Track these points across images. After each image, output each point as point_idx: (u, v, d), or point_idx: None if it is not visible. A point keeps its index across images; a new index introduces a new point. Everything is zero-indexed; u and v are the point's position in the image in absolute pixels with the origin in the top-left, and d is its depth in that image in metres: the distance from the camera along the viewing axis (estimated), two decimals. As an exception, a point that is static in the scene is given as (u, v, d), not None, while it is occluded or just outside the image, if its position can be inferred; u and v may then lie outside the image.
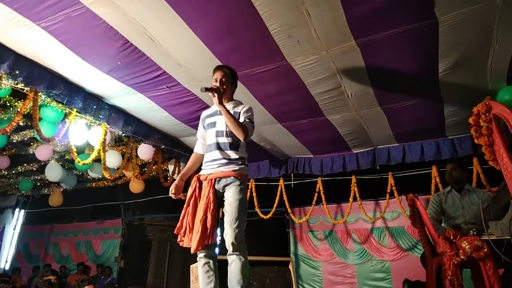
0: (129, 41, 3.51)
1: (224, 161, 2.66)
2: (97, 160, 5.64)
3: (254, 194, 7.15)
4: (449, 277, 2.67)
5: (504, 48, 3.38)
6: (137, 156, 6.10)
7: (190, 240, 2.52)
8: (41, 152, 6.00)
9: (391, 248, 7.25)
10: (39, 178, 7.87)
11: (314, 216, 7.74)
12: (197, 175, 2.77)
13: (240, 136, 2.61)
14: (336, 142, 5.70)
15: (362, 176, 6.72)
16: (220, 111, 2.72)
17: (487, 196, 3.51)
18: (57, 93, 4.17)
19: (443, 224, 3.75)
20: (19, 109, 4.35)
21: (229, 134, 2.72)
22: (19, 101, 4.50)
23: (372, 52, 3.53)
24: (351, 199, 6.73)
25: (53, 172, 6.68)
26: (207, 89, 2.67)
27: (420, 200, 3.39)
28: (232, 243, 2.45)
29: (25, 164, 7.19)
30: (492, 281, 2.60)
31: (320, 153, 6.32)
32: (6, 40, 3.61)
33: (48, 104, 4.56)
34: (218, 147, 2.70)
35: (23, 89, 4.21)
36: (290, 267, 3.94)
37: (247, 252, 2.55)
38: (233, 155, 2.68)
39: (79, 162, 5.43)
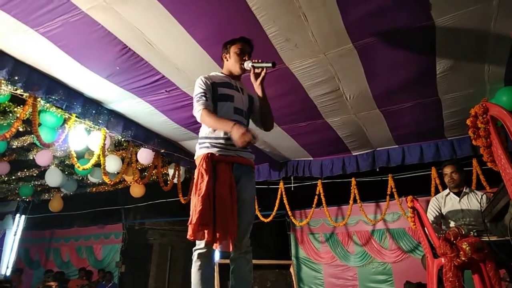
0: (127, 46, 3.52)
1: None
2: (97, 165, 5.64)
3: (254, 197, 7.14)
4: (450, 279, 2.67)
5: (501, 49, 3.39)
6: (137, 160, 6.11)
7: (223, 235, 2.06)
8: (41, 157, 6.00)
9: (392, 250, 7.24)
10: (39, 183, 7.87)
11: (315, 218, 7.73)
12: (207, 153, 2.23)
13: (270, 125, 2.46)
14: (336, 144, 5.71)
15: (362, 178, 6.72)
16: (239, 86, 2.47)
17: (486, 198, 3.51)
18: (56, 98, 4.18)
19: (443, 227, 3.74)
20: (18, 115, 4.35)
21: (247, 115, 2.46)
22: (19, 107, 4.51)
23: (370, 55, 3.54)
24: (351, 201, 6.73)
25: (53, 177, 6.67)
26: (254, 66, 2.36)
27: (420, 201, 3.38)
28: (247, 244, 2.26)
29: (25, 170, 7.18)
30: (493, 282, 2.59)
31: (319, 155, 6.33)
32: (5, 46, 3.63)
33: (47, 110, 4.56)
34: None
35: (22, 95, 4.22)
36: (291, 270, 3.94)
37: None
38: None
39: (79, 167, 5.44)
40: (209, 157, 2.20)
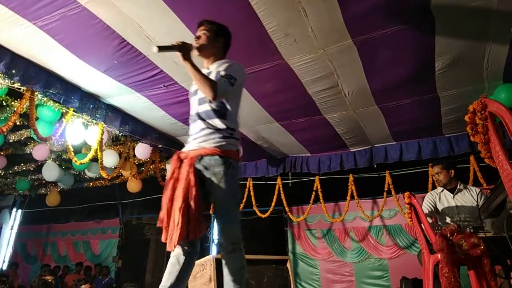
0: (125, 40, 3.50)
1: (206, 131, 2.16)
2: (94, 159, 5.63)
3: (252, 193, 7.16)
4: (446, 274, 2.68)
5: (500, 46, 3.40)
6: (134, 155, 6.09)
7: (167, 234, 2.03)
8: (38, 151, 5.98)
9: (389, 246, 7.27)
10: (36, 178, 7.84)
11: (312, 214, 7.75)
12: (178, 151, 2.24)
13: (207, 93, 2.08)
14: (334, 140, 5.71)
15: (360, 174, 6.73)
16: (207, 72, 2.27)
17: (482, 194, 3.53)
18: (54, 92, 4.17)
19: (439, 223, 3.76)
20: (15, 109, 4.34)
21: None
22: (16, 101, 4.48)
23: (369, 51, 3.54)
24: (348, 198, 6.75)
25: (50, 172, 6.66)
26: (162, 48, 2.12)
27: (417, 198, 3.40)
28: (230, 242, 2.09)
29: (22, 164, 7.16)
30: (488, 278, 2.61)
31: (317, 151, 6.33)
32: (2, 39, 3.61)
33: (44, 104, 4.54)
34: (200, 117, 2.22)
35: (19, 89, 4.19)
36: (288, 265, 3.95)
37: (243, 249, 2.15)
38: (217, 124, 2.16)
39: (76, 161, 5.42)
40: (178, 155, 2.19)
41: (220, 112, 2.18)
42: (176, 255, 2.12)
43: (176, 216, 1.99)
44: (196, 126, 2.22)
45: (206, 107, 2.21)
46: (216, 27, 2.40)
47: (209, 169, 2.08)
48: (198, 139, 2.17)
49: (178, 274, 2.10)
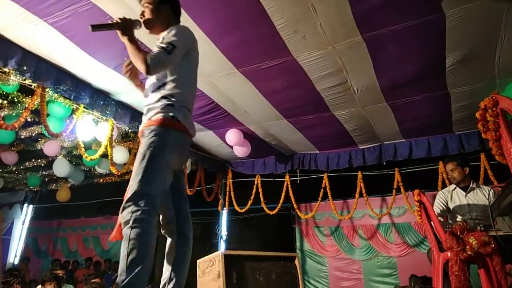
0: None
1: (146, 108, 2.07)
2: (105, 155, 5.67)
3: (260, 190, 7.17)
4: (456, 273, 2.66)
5: (512, 42, 3.35)
6: (143, 152, 6.12)
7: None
8: (49, 147, 6.05)
9: (398, 244, 7.23)
10: (47, 173, 7.93)
11: (320, 212, 7.73)
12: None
13: (140, 68, 1.96)
14: (342, 137, 5.69)
15: (368, 172, 6.69)
16: None
17: (494, 192, 3.49)
18: (64, 89, 4.20)
19: (449, 221, 3.73)
20: (27, 105, 4.39)
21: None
22: (27, 97, 4.54)
23: (379, 47, 3.52)
24: (357, 195, 6.71)
25: (61, 168, 6.73)
26: (97, 27, 2.04)
27: (426, 196, 3.37)
28: (125, 199, 1.87)
29: (33, 160, 7.24)
30: (499, 277, 2.59)
31: (326, 148, 6.31)
32: (14, 36, 3.65)
33: (55, 100, 4.60)
34: (145, 94, 2.14)
35: (30, 85, 4.25)
36: (296, 262, 3.94)
37: (148, 219, 1.78)
38: (155, 97, 2.03)
39: (86, 157, 5.48)
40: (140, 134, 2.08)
41: (158, 85, 2.06)
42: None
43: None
44: (144, 101, 2.13)
45: (149, 82, 2.14)
46: None
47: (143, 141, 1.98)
48: (145, 115, 2.07)
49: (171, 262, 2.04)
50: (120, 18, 2.03)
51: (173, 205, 2.07)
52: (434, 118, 4.91)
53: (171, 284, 1.98)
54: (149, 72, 1.95)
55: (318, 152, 6.46)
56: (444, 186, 5.49)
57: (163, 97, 2.01)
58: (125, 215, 1.80)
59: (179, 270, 2.02)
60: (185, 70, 2.13)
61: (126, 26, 2.03)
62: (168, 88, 2.04)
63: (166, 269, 2.03)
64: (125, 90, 4.58)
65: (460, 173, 3.64)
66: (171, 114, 1.97)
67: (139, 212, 1.76)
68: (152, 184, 1.85)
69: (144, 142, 1.93)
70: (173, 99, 2.01)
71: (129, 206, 1.81)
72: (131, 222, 1.76)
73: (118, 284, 1.68)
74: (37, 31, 3.49)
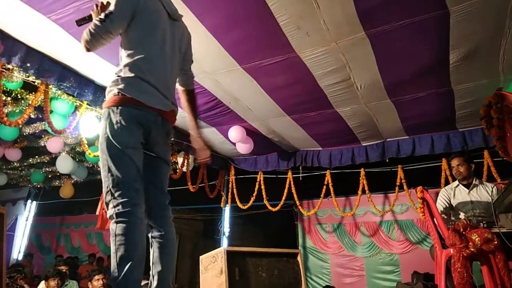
0: (138, 33, 3.51)
1: None
2: (107, 152, 5.69)
3: (262, 187, 7.18)
4: (458, 270, 2.66)
5: (517, 39, 3.33)
6: (146, 148, 6.13)
7: None
8: (52, 144, 6.07)
9: (400, 241, 7.23)
10: (50, 170, 7.97)
11: (323, 208, 7.73)
12: None
13: (82, 46, 1.86)
14: (345, 134, 5.68)
15: (371, 169, 6.68)
16: None
17: (497, 189, 3.48)
18: (68, 85, 4.21)
19: (452, 218, 3.73)
20: (30, 102, 4.40)
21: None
22: (30, 94, 4.55)
23: (382, 44, 3.50)
24: (359, 192, 6.71)
25: (64, 164, 6.75)
26: (82, 21, 2.01)
27: (429, 193, 3.36)
28: (103, 194, 1.82)
29: (37, 156, 7.27)
30: (502, 274, 2.59)
31: (328, 145, 6.31)
32: (17, 33, 3.65)
33: (59, 97, 4.60)
34: None
35: (34, 82, 4.26)
36: (299, 259, 3.95)
37: (131, 210, 1.72)
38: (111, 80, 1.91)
39: (90, 154, 5.50)
40: None
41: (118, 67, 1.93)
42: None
43: None
44: None
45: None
46: None
47: None
48: None
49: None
50: (96, 5, 1.97)
51: (146, 195, 1.91)
52: (437, 115, 4.90)
53: (154, 283, 1.97)
54: (88, 49, 1.85)
55: (320, 149, 6.46)
56: (447, 183, 5.48)
57: (116, 78, 1.88)
58: (109, 210, 1.75)
59: (157, 267, 2.06)
60: (137, 36, 1.93)
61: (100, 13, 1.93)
62: (121, 63, 1.91)
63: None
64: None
65: (467, 168, 3.63)
66: (115, 91, 1.83)
67: (120, 206, 1.71)
68: (119, 170, 1.75)
69: (103, 127, 1.82)
70: (121, 74, 1.87)
71: (109, 201, 1.75)
72: (114, 217, 1.71)
73: (111, 281, 1.67)
74: (41, 28, 3.49)
